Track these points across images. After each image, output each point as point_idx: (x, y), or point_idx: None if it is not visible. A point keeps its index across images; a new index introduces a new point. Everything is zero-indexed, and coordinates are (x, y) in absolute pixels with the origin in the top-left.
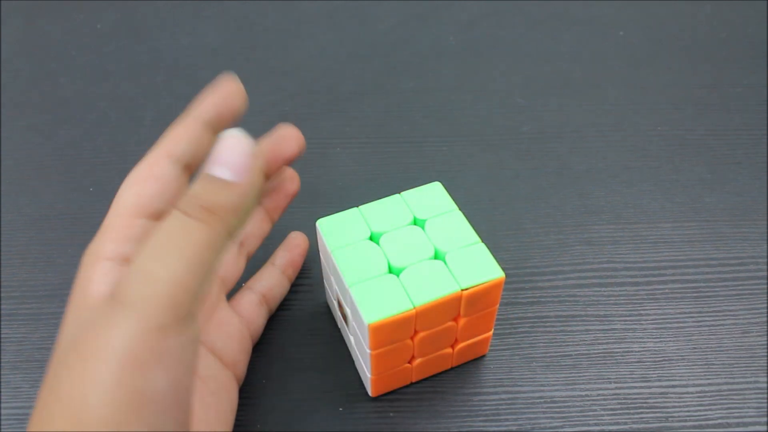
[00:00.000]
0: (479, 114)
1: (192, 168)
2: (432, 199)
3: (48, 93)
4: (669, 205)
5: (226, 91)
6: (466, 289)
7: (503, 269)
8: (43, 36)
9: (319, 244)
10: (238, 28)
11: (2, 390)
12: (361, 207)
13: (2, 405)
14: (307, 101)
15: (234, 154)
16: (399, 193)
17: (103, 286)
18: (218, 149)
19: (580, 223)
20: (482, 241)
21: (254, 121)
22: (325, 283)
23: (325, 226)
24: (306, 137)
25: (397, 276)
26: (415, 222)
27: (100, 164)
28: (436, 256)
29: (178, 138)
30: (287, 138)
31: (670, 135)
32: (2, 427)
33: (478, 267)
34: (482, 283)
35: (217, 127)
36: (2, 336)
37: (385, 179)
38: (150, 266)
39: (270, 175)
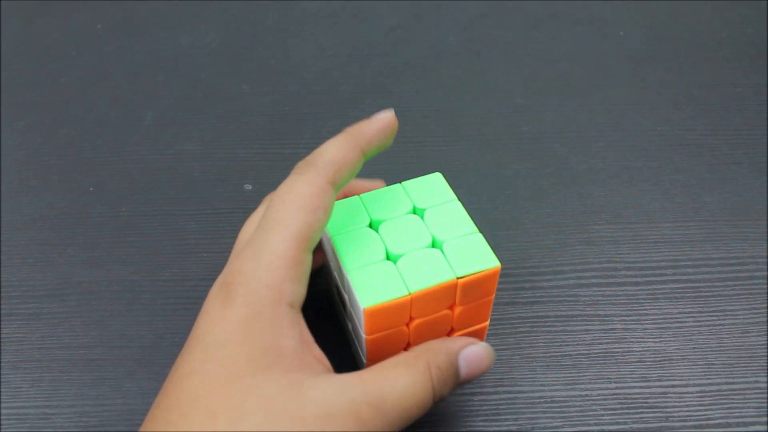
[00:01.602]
0: (479, 114)
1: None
2: (432, 189)
3: (48, 93)
4: (669, 205)
5: (388, 126)
6: (462, 278)
7: (502, 267)
8: (43, 36)
9: None
10: (238, 28)
11: (2, 390)
12: (361, 195)
13: (2, 405)
14: (307, 101)
15: (480, 366)
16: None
17: (294, 341)
18: (476, 350)
19: (580, 223)
20: (480, 231)
21: (254, 121)
22: (325, 270)
23: None
24: (306, 137)
25: (395, 263)
26: (415, 211)
27: (100, 164)
28: (434, 244)
29: (345, 167)
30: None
31: (670, 135)
32: (2, 427)
33: (474, 256)
34: (478, 272)
35: (368, 156)
36: (2, 336)
37: (385, 179)
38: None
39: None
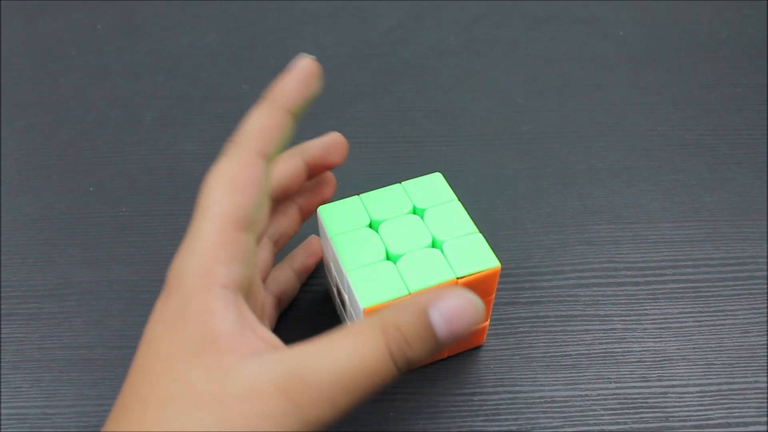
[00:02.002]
0: (479, 114)
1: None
2: (432, 189)
3: (48, 93)
4: (669, 205)
5: (305, 74)
6: (462, 278)
7: (502, 267)
8: (43, 36)
9: (319, 231)
10: (238, 28)
11: (2, 390)
12: (361, 195)
13: (2, 405)
14: None
15: (461, 321)
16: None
17: (228, 323)
18: (453, 301)
19: (580, 223)
20: (479, 232)
21: None
22: (325, 269)
23: (325, 212)
24: (306, 137)
25: (395, 263)
26: (415, 211)
27: (100, 164)
28: (434, 244)
29: (269, 134)
30: (336, 147)
31: (670, 135)
32: (2, 427)
33: (474, 256)
34: (478, 272)
35: (298, 113)
36: (2, 336)
37: (386, 179)
38: (326, 380)
39: (311, 178)
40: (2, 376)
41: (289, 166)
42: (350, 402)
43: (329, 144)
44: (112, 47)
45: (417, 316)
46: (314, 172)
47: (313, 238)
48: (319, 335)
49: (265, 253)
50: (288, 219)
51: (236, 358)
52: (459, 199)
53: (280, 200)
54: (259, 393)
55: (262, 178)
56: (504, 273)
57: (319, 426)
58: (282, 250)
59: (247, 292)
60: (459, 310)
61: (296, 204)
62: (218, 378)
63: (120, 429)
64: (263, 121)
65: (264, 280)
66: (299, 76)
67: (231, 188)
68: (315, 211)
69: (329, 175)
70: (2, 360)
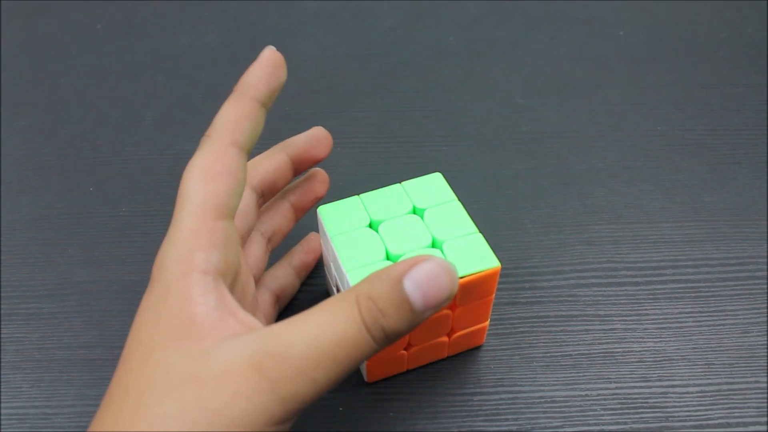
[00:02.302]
0: (479, 114)
1: (249, 151)
2: (432, 189)
3: (48, 93)
4: (669, 205)
5: (270, 65)
6: (462, 278)
7: (502, 267)
8: (43, 36)
9: (319, 231)
10: (238, 28)
11: (2, 390)
12: (361, 195)
13: (2, 405)
14: (307, 101)
15: (436, 289)
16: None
17: (207, 307)
18: (426, 269)
19: (580, 223)
20: (479, 232)
21: None
22: (325, 269)
23: (325, 212)
24: None
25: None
26: (415, 211)
27: (100, 164)
28: (434, 244)
29: (241, 123)
30: (320, 140)
31: (670, 135)
32: (2, 427)
33: (474, 256)
34: (478, 272)
35: (267, 103)
36: (2, 336)
37: (386, 179)
38: (301, 356)
39: (298, 172)
40: (2, 376)
41: (273, 161)
42: (328, 376)
43: (313, 138)
44: (112, 47)
45: (390, 285)
46: (300, 167)
47: (312, 235)
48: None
49: (257, 249)
50: (280, 216)
51: (215, 340)
52: (459, 199)
53: (268, 196)
54: (233, 372)
55: (236, 165)
56: (504, 273)
57: (298, 403)
58: (278, 247)
59: (232, 280)
60: (433, 278)
61: (288, 201)
62: (196, 360)
63: (104, 417)
64: (232, 112)
65: (258, 276)
66: (265, 67)
67: (205, 178)
68: (309, 209)
69: (322, 173)
70: (2, 360)
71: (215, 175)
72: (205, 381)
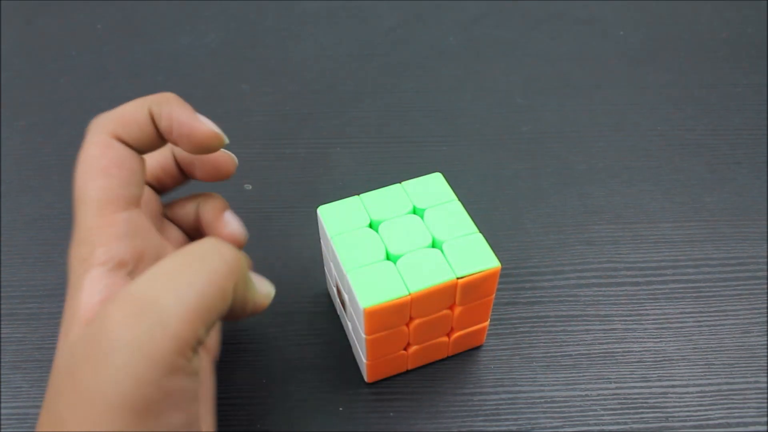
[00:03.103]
0: (479, 114)
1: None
2: (432, 189)
3: (48, 93)
4: (669, 205)
5: (199, 137)
6: (462, 278)
7: (502, 267)
8: (43, 36)
9: (319, 231)
10: (238, 28)
11: (2, 390)
12: (361, 195)
13: (2, 405)
14: (307, 101)
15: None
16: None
17: (96, 296)
18: None
19: (580, 223)
20: (479, 232)
21: (254, 121)
22: (325, 269)
23: (325, 212)
24: (306, 137)
25: (395, 263)
26: (415, 211)
27: None
28: (434, 244)
29: (125, 120)
30: (210, 161)
31: (670, 135)
32: (2, 427)
33: (474, 256)
34: (478, 272)
35: (164, 137)
36: (2, 336)
37: (386, 179)
38: (160, 297)
39: (189, 177)
40: (2, 376)
41: (159, 157)
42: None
43: (198, 158)
44: (112, 47)
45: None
46: (187, 175)
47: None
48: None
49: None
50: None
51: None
52: (459, 199)
53: (159, 190)
54: (72, 352)
55: (120, 156)
56: (504, 273)
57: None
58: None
59: (138, 258)
60: None
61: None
62: (67, 352)
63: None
64: (129, 111)
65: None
66: (191, 130)
67: (94, 173)
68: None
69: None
70: (2, 360)
71: (104, 170)
72: (59, 365)
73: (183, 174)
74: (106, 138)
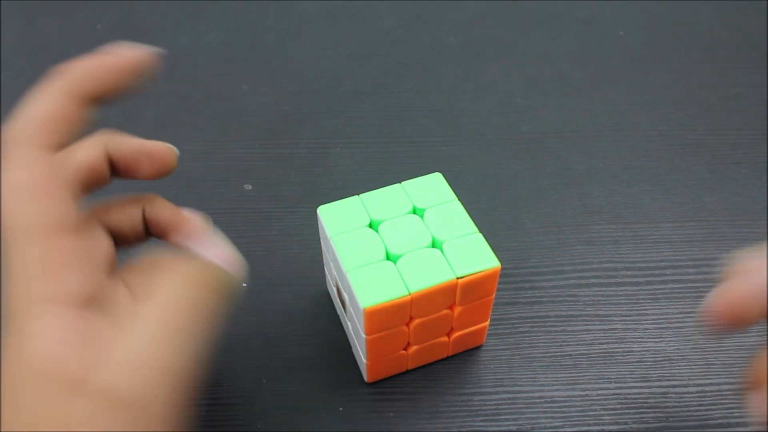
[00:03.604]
0: (479, 114)
1: (67, 145)
2: (432, 189)
3: None
4: (669, 205)
5: (120, 66)
6: (462, 278)
7: (502, 267)
8: (43, 36)
9: (319, 231)
10: (238, 28)
11: None
12: (361, 195)
13: None
14: (307, 101)
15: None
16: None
17: (61, 342)
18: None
19: (580, 223)
20: (479, 232)
21: (254, 121)
22: (325, 269)
23: (325, 212)
24: (306, 137)
25: (394, 263)
26: (415, 211)
27: None
28: (434, 244)
29: (52, 123)
30: (151, 157)
31: (670, 135)
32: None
33: (474, 256)
34: (478, 272)
35: (95, 102)
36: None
37: (386, 179)
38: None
39: (123, 177)
40: None
41: (88, 155)
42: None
43: (144, 152)
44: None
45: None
46: (121, 174)
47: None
48: None
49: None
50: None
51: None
52: (459, 199)
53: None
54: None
55: (51, 171)
56: (504, 273)
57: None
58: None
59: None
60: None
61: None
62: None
63: None
64: (41, 108)
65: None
66: (109, 65)
67: (25, 197)
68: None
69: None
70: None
71: (37, 194)
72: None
73: (113, 175)
74: (31, 158)
